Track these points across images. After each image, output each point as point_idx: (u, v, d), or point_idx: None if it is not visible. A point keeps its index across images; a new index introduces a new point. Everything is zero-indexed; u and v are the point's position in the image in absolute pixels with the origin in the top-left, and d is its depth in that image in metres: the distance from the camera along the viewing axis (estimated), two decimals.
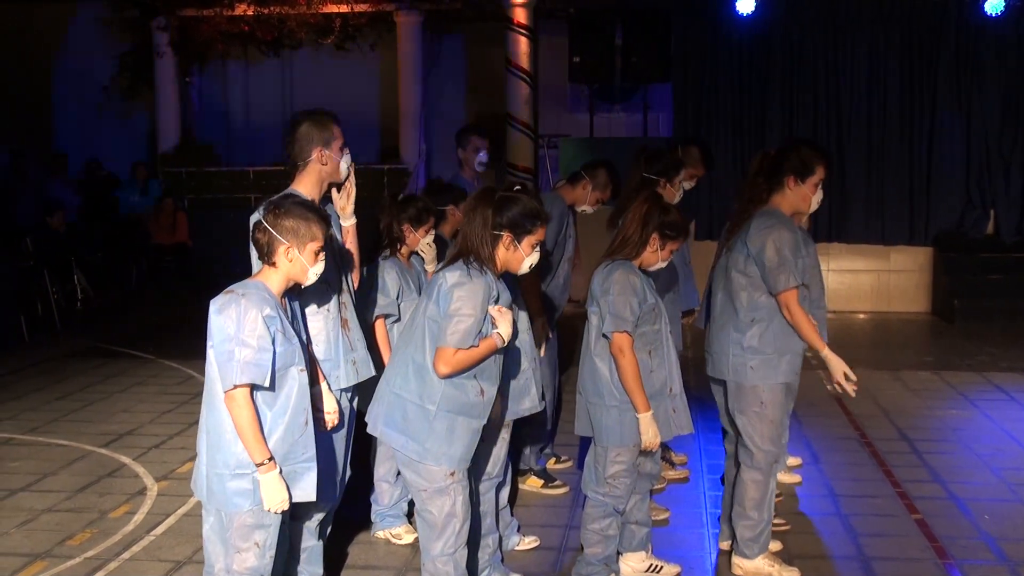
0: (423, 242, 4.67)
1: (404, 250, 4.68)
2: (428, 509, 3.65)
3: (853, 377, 4.14)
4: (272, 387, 3.29)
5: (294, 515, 3.79)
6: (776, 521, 4.71)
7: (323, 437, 3.75)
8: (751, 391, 4.21)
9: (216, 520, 3.40)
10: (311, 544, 3.97)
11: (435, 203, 4.80)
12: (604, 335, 4.02)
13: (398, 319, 4.58)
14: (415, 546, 4.73)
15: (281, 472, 3.29)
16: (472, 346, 3.50)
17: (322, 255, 3.38)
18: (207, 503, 3.38)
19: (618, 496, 4.10)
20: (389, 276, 4.57)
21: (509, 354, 3.81)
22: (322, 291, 3.76)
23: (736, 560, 4.39)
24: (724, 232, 4.74)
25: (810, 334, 4.13)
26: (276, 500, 3.28)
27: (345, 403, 3.97)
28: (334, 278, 3.85)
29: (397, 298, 4.57)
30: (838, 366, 4.13)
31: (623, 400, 4.00)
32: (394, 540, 4.78)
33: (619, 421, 4.01)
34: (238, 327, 3.20)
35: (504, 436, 4.18)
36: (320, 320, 3.85)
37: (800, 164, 4.18)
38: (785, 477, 5.47)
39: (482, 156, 5.85)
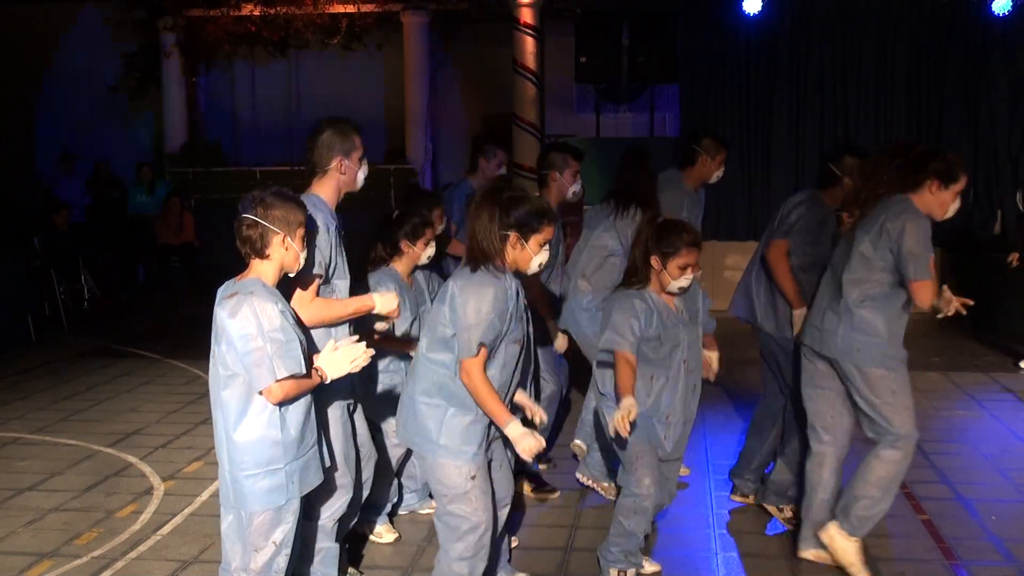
0: (424, 254, 4.67)
1: (402, 266, 4.66)
2: (449, 512, 3.63)
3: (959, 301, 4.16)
4: (309, 374, 3.31)
5: (309, 515, 3.79)
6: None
7: (335, 433, 3.82)
8: (879, 380, 4.12)
9: (235, 519, 3.37)
10: (326, 546, 3.97)
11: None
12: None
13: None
14: (420, 546, 4.74)
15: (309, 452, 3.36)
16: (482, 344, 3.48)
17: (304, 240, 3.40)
18: (239, 507, 3.34)
19: (645, 494, 4.13)
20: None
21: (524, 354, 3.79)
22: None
23: (834, 531, 4.23)
24: (799, 214, 4.82)
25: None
26: (347, 363, 3.37)
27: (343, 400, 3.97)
28: (338, 264, 3.87)
29: None
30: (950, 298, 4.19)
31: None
32: (374, 539, 4.78)
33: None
34: (259, 326, 3.18)
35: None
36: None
37: (947, 169, 4.05)
38: None
39: (502, 170, 6.19)
